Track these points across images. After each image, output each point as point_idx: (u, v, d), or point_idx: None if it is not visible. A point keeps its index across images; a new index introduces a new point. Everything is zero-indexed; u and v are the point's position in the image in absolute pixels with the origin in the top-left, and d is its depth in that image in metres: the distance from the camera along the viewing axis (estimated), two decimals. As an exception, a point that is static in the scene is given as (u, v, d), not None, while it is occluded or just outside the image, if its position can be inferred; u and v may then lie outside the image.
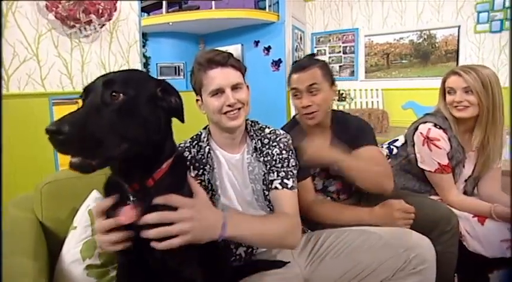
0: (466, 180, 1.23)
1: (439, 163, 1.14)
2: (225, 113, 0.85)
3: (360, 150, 1.09)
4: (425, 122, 1.18)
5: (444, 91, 1.20)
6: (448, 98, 1.17)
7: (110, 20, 1.81)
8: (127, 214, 0.57)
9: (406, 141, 1.29)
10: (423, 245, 0.86)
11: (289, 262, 0.89)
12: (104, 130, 0.48)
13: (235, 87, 0.86)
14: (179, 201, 0.58)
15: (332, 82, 1.12)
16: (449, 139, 1.15)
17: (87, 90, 0.55)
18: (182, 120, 0.65)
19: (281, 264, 0.88)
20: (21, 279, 0.61)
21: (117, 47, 1.97)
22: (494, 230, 1.03)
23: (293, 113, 4.53)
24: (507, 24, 3.74)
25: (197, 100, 0.93)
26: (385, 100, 4.50)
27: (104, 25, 1.80)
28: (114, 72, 0.58)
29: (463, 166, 1.19)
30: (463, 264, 1.09)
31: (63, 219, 0.91)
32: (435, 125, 1.16)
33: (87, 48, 1.80)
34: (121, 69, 2.01)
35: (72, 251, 0.82)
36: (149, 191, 0.58)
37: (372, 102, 4.52)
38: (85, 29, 1.67)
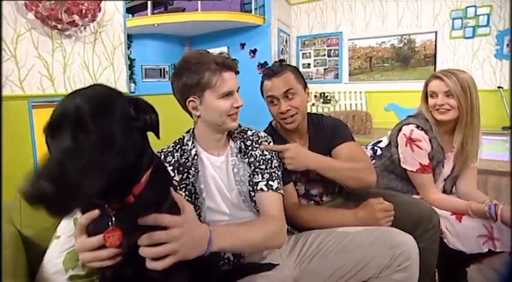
0: (445, 180, 1.28)
1: (420, 163, 1.19)
2: (230, 114, 0.88)
3: (337, 149, 1.13)
4: (408, 124, 1.23)
5: (426, 94, 1.25)
6: (430, 101, 1.21)
7: (93, 21, 1.77)
8: (111, 239, 0.55)
9: (390, 142, 1.33)
10: (407, 243, 0.89)
11: (278, 264, 0.90)
12: (83, 174, 0.43)
13: (237, 91, 0.91)
14: (168, 220, 0.57)
15: (305, 85, 1.14)
16: (430, 140, 1.20)
17: (53, 126, 0.47)
18: (158, 136, 0.61)
19: (270, 266, 0.88)
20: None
21: (101, 48, 1.92)
22: (471, 227, 1.08)
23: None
24: (479, 30, 3.96)
25: (191, 101, 0.88)
26: (368, 102, 4.63)
27: (87, 26, 1.75)
28: (80, 92, 0.51)
29: (443, 166, 1.24)
30: (444, 260, 1.14)
31: (45, 228, 0.87)
32: (417, 127, 1.20)
33: (70, 50, 1.75)
34: (106, 71, 1.97)
35: (54, 262, 0.78)
36: (131, 208, 0.56)
37: (356, 104, 4.63)
38: (79, 30, 1.61)
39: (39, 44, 1.61)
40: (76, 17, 1.63)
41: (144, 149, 0.59)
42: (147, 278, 0.59)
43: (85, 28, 1.76)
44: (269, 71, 1.09)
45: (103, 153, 0.46)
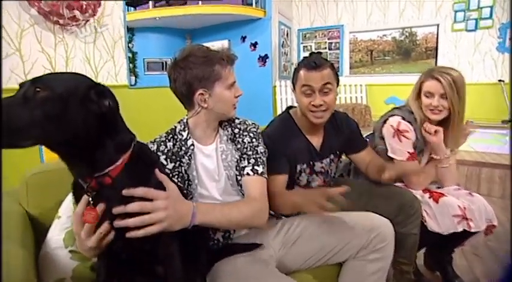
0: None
1: (408, 152, 1.23)
2: (233, 103, 0.96)
3: (360, 155, 1.25)
4: (393, 115, 1.27)
5: (419, 92, 1.26)
6: (426, 100, 1.23)
7: (94, 15, 1.83)
8: (88, 217, 0.62)
9: (373, 134, 1.38)
10: (383, 226, 0.95)
11: (261, 244, 0.96)
12: (16, 119, 0.51)
13: None
14: (154, 193, 0.64)
15: (338, 82, 1.13)
16: (414, 130, 1.24)
17: (21, 85, 0.57)
18: (115, 123, 0.65)
19: (255, 246, 0.95)
20: (11, 263, 0.66)
21: (102, 42, 1.98)
22: (446, 206, 1.14)
23: (279, 107, 4.55)
24: (481, 23, 3.92)
25: (200, 94, 0.90)
26: (369, 95, 4.63)
27: (88, 21, 1.81)
28: (53, 73, 0.62)
29: (422, 155, 1.29)
30: (424, 243, 1.20)
31: (48, 208, 0.94)
32: (403, 118, 1.25)
33: (71, 44, 1.81)
34: (106, 64, 2.03)
35: (55, 238, 0.86)
36: (110, 188, 0.62)
37: (356, 97, 4.64)
38: (78, 25, 1.67)
39: (42, 39, 1.67)
40: (77, 13, 1.69)
41: (110, 134, 0.63)
42: (137, 249, 0.67)
43: (86, 22, 1.82)
44: (310, 62, 1.07)
45: (44, 112, 0.53)
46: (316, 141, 1.19)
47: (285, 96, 4.46)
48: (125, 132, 0.67)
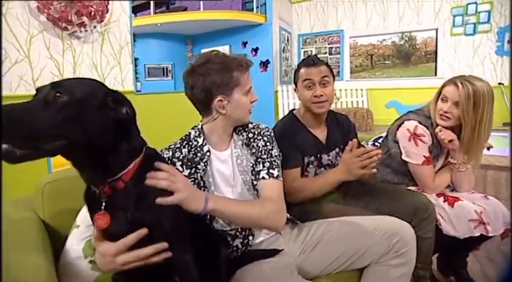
0: (436, 172, 1.32)
1: (424, 156, 1.23)
2: (249, 109, 0.98)
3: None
4: (410, 119, 1.27)
5: (439, 96, 1.26)
6: (440, 104, 1.23)
7: (101, 21, 1.83)
8: (100, 222, 0.62)
9: (386, 137, 1.38)
10: (404, 230, 0.95)
11: (282, 250, 0.95)
12: (37, 124, 0.51)
13: None
14: (175, 171, 0.71)
15: (333, 78, 1.27)
16: (430, 135, 1.24)
17: (38, 90, 0.58)
18: (130, 130, 0.67)
19: (275, 252, 0.94)
20: (34, 272, 0.64)
21: (108, 48, 1.98)
22: (462, 211, 1.13)
23: (281, 112, 4.57)
24: (480, 27, 3.98)
25: (219, 100, 0.91)
26: (370, 99, 4.65)
27: (95, 27, 1.81)
28: (71, 78, 0.63)
29: (437, 160, 1.29)
30: (440, 248, 1.20)
31: (65, 217, 0.93)
32: (419, 123, 1.25)
33: (79, 50, 1.81)
34: (113, 70, 2.03)
35: (75, 248, 0.84)
36: (122, 193, 0.63)
37: (357, 101, 4.66)
38: (81, 31, 1.67)
39: (50, 45, 1.67)
40: (85, 19, 1.69)
41: (124, 140, 0.64)
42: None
43: (94, 27, 1.82)
44: (309, 60, 1.24)
45: (65, 117, 0.54)
46: (321, 135, 1.28)
47: (287, 101, 4.46)
48: (137, 138, 0.69)
